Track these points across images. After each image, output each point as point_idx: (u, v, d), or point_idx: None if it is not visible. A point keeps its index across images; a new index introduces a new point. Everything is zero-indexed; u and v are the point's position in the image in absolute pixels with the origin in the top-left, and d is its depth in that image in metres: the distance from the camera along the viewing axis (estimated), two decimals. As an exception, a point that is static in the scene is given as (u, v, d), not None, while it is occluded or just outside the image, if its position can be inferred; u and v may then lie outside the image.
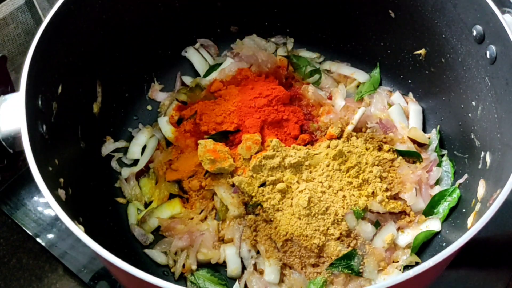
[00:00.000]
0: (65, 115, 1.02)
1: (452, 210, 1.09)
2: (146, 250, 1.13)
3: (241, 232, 1.11)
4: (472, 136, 1.08)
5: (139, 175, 1.23)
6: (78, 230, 0.75)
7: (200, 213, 1.16)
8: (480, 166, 1.03)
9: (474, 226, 0.75)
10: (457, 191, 1.10)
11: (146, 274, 0.70)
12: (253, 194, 1.11)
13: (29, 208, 1.24)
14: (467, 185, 1.08)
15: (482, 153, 1.02)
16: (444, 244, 1.07)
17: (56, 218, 1.22)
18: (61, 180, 0.93)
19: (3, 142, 0.89)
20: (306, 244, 1.05)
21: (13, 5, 1.21)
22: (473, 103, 1.06)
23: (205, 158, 1.15)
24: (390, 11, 1.21)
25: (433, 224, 1.09)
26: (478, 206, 0.95)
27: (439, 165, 1.18)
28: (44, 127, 0.91)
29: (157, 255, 1.12)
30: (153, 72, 1.37)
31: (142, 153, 1.27)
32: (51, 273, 1.16)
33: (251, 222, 1.11)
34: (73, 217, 0.79)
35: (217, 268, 1.11)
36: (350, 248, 1.06)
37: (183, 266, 1.09)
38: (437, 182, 1.16)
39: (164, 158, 1.24)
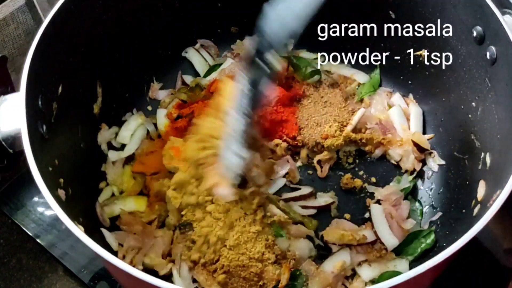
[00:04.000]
0: (65, 115, 1.02)
1: (452, 211, 1.09)
2: (103, 230, 1.07)
3: (181, 251, 1.05)
4: (472, 137, 1.07)
5: (127, 162, 1.21)
6: (78, 231, 0.75)
7: (157, 218, 1.11)
8: (480, 167, 1.02)
9: (474, 227, 0.75)
10: (432, 235, 1.07)
11: (146, 275, 0.70)
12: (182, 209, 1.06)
13: (29, 208, 1.23)
14: (467, 186, 1.08)
15: (482, 154, 1.02)
16: (444, 244, 1.06)
17: (56, 218, 1.21)
18: (61, 180, 0.93)
19: (3, 142, 0.89)
20: (244, 274, 1.00)
21: (14, 6, 1.21)
22: (473, 104, 1.06)
23: (167, 154, 1.13)
24: (390, 11, 1.21)
25: (401, 266, 1.05)
26: (478, 207, 0.95)
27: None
28: (44, 127, 0.91)
29: (111, 240, 1.06)
30: (153, 72, 1.37)
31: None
32: (51, 274, 1.16)
33: (184, 241, 1.06)
34: (73, 217, 0.79)
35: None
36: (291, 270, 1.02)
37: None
38: (410, 215, 1.13)
39: (147, 148, 1.21)
